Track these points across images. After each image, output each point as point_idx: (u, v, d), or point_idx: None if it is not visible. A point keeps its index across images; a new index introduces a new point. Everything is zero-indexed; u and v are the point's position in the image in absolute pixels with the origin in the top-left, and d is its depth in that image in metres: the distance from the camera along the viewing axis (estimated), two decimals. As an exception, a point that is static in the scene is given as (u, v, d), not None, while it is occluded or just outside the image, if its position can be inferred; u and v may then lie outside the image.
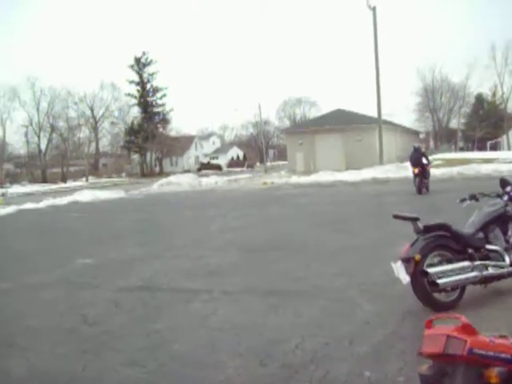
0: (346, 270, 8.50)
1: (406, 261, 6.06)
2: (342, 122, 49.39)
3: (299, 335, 5.63)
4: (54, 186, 63.77)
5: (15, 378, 5.19)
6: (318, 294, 7.23)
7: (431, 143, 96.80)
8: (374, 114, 44.30)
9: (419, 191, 20.83)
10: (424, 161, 21.74)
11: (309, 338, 5.52)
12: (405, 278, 6.04)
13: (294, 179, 38.38)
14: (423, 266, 6.01)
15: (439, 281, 5.88)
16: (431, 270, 5.94)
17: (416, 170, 21.22)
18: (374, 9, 41.29)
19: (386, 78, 78.75)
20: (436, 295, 6.10)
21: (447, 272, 6.02)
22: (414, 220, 6.29)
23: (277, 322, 6.17)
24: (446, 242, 6.28)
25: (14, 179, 77.77)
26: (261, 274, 8.70)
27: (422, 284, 6.02)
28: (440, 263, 6.17)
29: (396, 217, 6.57)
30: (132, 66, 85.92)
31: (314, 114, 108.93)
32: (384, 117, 44.84)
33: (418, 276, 5.99)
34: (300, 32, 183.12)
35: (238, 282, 8.19)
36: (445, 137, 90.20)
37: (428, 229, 6.26)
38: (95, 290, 8.47)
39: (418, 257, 5.98)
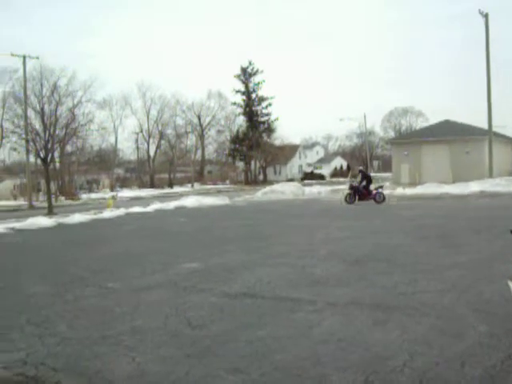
0: (455, 287, 8.14)
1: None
2: (449, 133, 47.91)
3: (407, 352, 5.40)
4: (161, 191, 65.74)
5: (120, 376, 5.26)
6: (426, 310, 6.94)
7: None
8: (484, 125, 42.80)
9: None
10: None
11: (417, 357, 5.28)
12: (522, 299, 5.71)
13: (399, 191, 37.67)
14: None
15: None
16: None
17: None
18: (486, 15, 39.86)
19: (497, 88, 75.53)
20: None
21: None
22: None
23: (383, 337, 5.95)
24: None
25: (123, 183, 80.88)
26: (366, 287, 8.48)
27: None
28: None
29: (514, 232, 6.23)
30: (238, 76, 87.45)
31: (420, 124, 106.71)
32: (495, 129, 43.15)
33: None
34: (407, 41, 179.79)
35: (342, 294, 8.03)
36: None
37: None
38: (200, 294, 8.56)
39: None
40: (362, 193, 28.31)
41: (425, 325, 6.33)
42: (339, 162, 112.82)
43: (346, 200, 28.53)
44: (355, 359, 5.32)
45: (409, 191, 36.71)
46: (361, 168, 33.16)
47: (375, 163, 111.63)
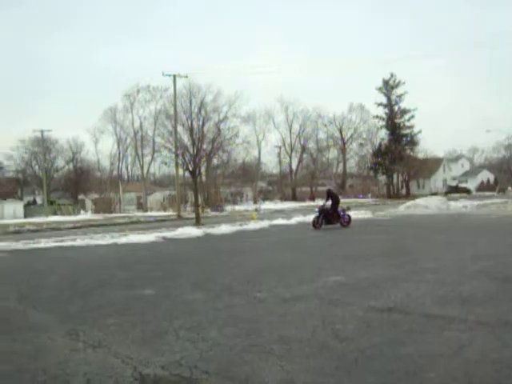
0: None
1: None
2: None
3: None
4: (302, 204, 66.28)
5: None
6: None
7: None
8: None
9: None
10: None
11: None
12: None
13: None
14: None
15: None
16: None
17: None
18: None
19: None
20: None
21: None
22: None
23: (543, 361, 5.66)
24: None
25: (266, 196, 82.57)
26: (520, 307, 8.11)
27: None
28: None
29: None
30: (380, 89, 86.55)
31: None
32: None
33: None
34: None
35: (494, 313, 7.70)
36: None
37: None
38: (346, 307, 8.57)
39: None
40: (331, 216, 25.88)
41: None
42: (485, 176, 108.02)
43: (313, 225, 25.68)
44: (512, 383, 5.12)
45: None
46: (329, 188, 31.76)
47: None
